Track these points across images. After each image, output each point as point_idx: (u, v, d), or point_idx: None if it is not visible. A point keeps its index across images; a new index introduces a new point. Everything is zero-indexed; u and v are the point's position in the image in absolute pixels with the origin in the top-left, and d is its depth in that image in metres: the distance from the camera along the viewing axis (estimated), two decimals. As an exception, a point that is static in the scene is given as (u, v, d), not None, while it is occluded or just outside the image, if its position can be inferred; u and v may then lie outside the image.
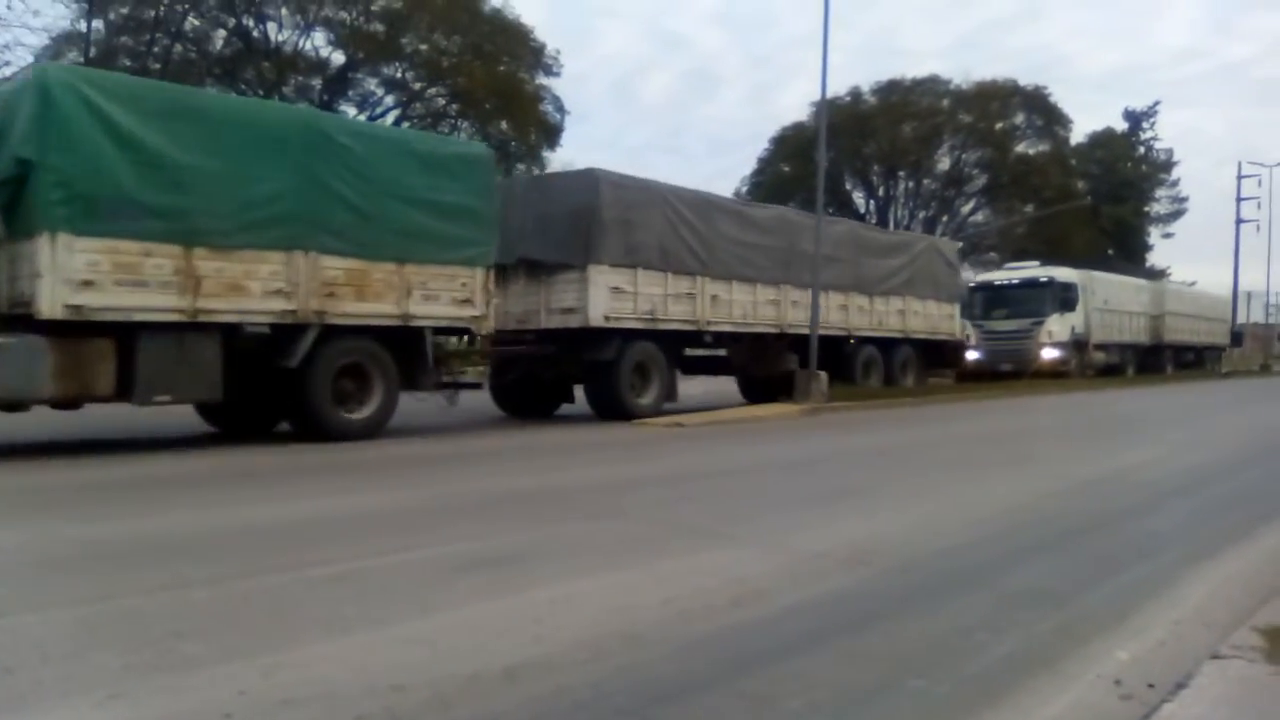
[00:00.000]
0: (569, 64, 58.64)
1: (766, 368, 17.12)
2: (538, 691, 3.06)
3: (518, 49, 36.16)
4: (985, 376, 26.59)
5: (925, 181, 53.44)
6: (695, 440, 11.98)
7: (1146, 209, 60.30)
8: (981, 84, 50.78)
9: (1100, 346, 30.39)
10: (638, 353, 14.29)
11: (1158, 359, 34.93)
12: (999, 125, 51.46)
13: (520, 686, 3.09)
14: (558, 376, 14.88)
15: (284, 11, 33.17)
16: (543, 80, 37.78)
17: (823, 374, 16.73)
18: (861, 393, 18.36)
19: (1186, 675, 3.15)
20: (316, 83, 35.11)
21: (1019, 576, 4.80)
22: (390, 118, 36.79)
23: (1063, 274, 29.15)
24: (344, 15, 33.89)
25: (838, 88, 48.47)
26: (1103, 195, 54.54)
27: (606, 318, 13.63)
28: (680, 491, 7.73)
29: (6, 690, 2.99)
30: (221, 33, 33.07)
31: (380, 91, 36.71)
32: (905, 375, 20.62)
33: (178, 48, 31.23)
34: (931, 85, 51.53)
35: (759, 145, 67.85)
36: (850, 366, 18.85)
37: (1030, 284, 28.96)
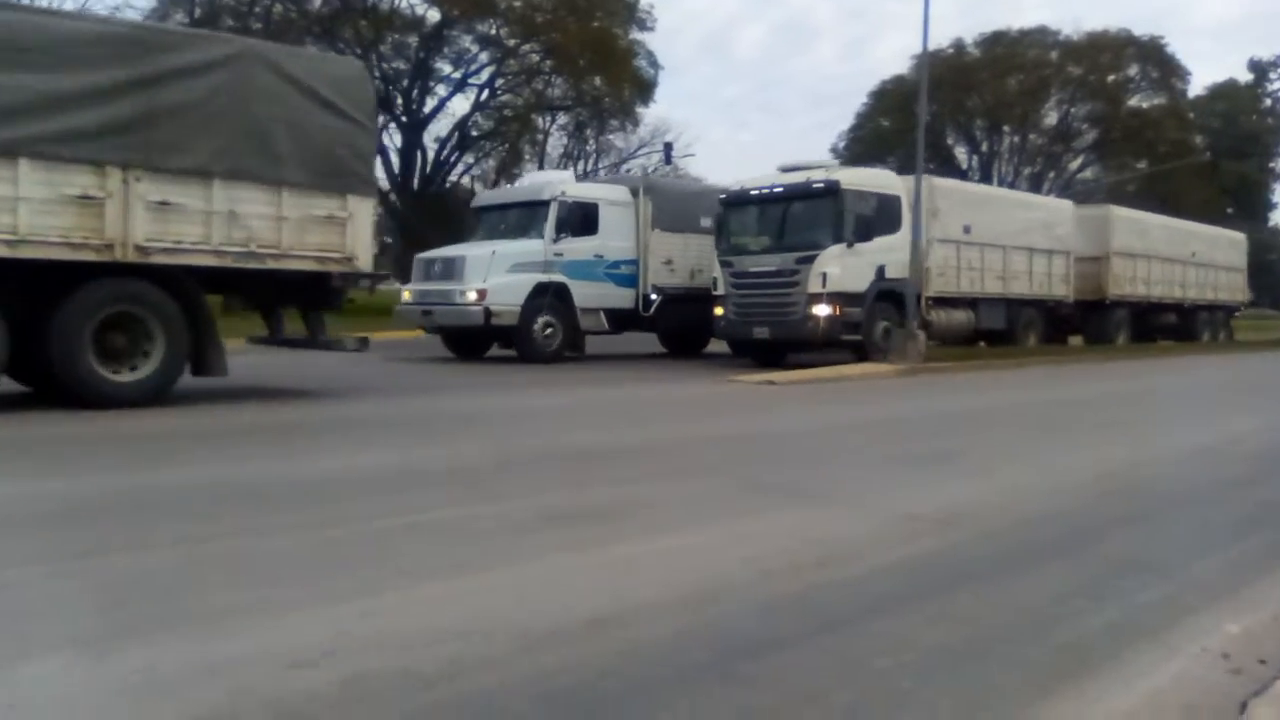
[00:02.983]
0: (661, 18, 57.87)
1: None
2: (619, 644, 3.07)
3: (611, 3, 35.90)
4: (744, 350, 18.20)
5: (1031, 136, 51.65)
6: (785, 399, 11.87)
7: (1272, 164, 57.20)
8: (1093, 35, 48.77)
9: (951, 302, 18.44)
10: None
11: (1102, 324, 23.94)
12: (1111, 78, 49.37)
13: (607, 637, 3.11)
14: None
15: (381, -31, 33.50)
16: (636, 35, 37.52)
17: (920, 333, 16.32)
18: (961, 353, 17.91)
19: (1300, 651, 3.00)
20: (413, 40, 35.45)
21: (1118, 544, 4.63)
22: (485, 74, 37.02)
23: (858, 178, 16.82)
24: (440, -29, 34.04)
25: (940, 39, 47.11)
26: (1223, 150, 51.89)
27: None
28: (767, 450, 7.68)
29: (125, 619, 3.13)
30: (321, -9, 33.54)
31: (475, 48, 36.90)
32: (135, 352, 9.06)
33: (278, 7, 31.84)
34: (1039, 36, 49.66)
35: (856, 100, 66.58)
36: None
37: (799, 194, 16.55)
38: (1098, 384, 15.08)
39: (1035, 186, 47.52)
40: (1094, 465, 7.05)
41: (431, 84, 36.94)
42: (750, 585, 3.73)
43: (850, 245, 15.79)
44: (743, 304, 16.67)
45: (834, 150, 52.53)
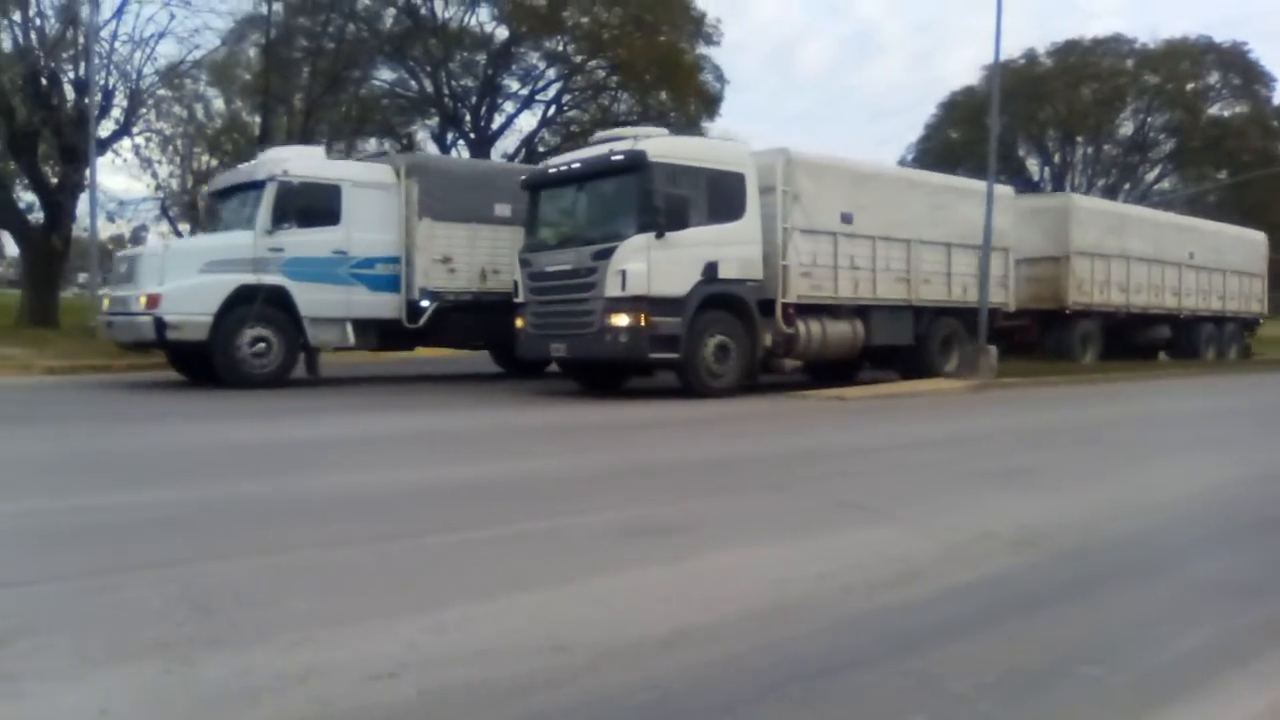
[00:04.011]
0: (727, 33, 57.95)
1: None
2: (698, 659, 3.06)
3: (678, 18, 36.03)
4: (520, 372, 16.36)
5: (1106, 147, 50.55)
6: (857, 414, 11.75)
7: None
8: (1171, 42, 47.61)
9: (827, 310, 14.32)
10: None
11: (1063, 337, 20.05)
12: (1190, 86, 48.09)
13: (681, 653, 3.10)
14: None
15: (451, -12, 34.10)
16: (702, 50, 37.57)
17: (992, 347, 16.02)
18: (1036, 368, 17.53)
19: (1404, 681, 2.87)
20: (481, 58, 35.98)
21: (1209, 566, 4.49)
22: (552, 91, 37.38)
23: (678, 149, 13.07)
24: (507, -11, 34.53)
25: (1011, 49, 46.31)
26: (1309, 159, 50.08)
27: None
28: (841, 466, 7.60)
29: (207, 630, 3.21)
30: (391, 11, 34.24)
31: (542, 65, 37.31)
32: None
33: (350, 27, 32.55)
34: (1114, 45, 48.64)
35: (923, 111, 66.02)
36: None
37: (599, 171, 13.14)
38: (1177, 400, 14.67)
39: (1110, 197, 46.46)
40: (1177, 484, 6.86)
41: (499, 101, 37.45)
42: (827, 603, 3.69)
43: (661, 235, 12.08)
44: (540, 313, 13.28)
45: (902, 162, 52.04)
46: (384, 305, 14.26)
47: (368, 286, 14.10)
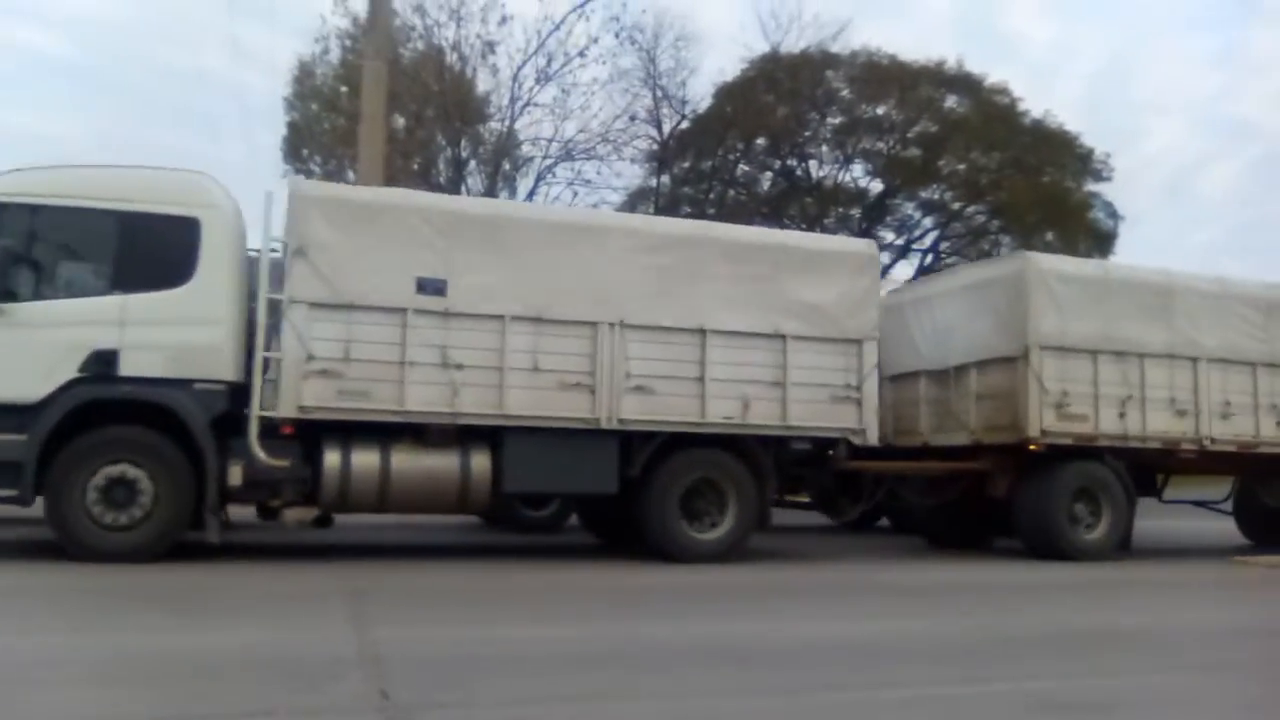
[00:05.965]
0: (1117, 165, 54.75)
1: None
2: None
3: (1062, 157, 34.57)
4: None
5: None
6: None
7: None
8: None
9: (378, 431, 8.97)
10: None
11: (1042, 490, 10.96)
12: None
13: None
14: None
15: (824, 149, 35.27)
16: (1091, 186, 35.62)
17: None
18: None
19: None
20: (855, 212, 36.58)
21: None
22: (928, 239, 37.02)
23: (32, 183, 8.49)
24: (880, 146, 35.11)
25: None
26: None
27: None
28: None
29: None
30: (768, 175, 35.98)
31: (918, 214, 37.18)
32: None
33: (730, 192, 34.55)
34: None
35: (1365, 236, 57.83)
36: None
37: None
38: None
39: None
40: None
41: (876, 252, 37.69)
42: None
43: (133, 296, 8.31)
44: None
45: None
46: None
47: None
